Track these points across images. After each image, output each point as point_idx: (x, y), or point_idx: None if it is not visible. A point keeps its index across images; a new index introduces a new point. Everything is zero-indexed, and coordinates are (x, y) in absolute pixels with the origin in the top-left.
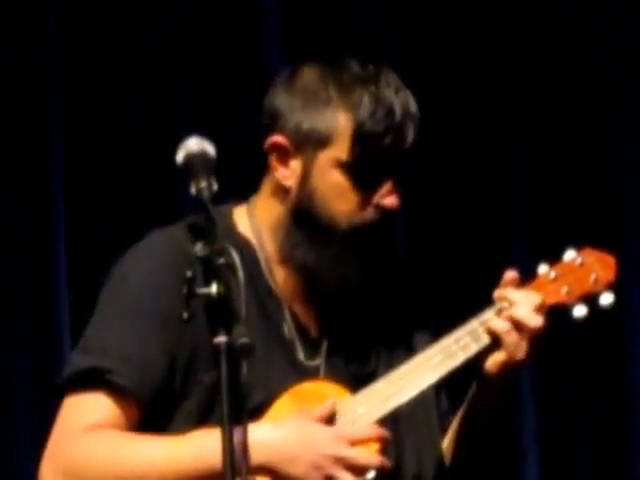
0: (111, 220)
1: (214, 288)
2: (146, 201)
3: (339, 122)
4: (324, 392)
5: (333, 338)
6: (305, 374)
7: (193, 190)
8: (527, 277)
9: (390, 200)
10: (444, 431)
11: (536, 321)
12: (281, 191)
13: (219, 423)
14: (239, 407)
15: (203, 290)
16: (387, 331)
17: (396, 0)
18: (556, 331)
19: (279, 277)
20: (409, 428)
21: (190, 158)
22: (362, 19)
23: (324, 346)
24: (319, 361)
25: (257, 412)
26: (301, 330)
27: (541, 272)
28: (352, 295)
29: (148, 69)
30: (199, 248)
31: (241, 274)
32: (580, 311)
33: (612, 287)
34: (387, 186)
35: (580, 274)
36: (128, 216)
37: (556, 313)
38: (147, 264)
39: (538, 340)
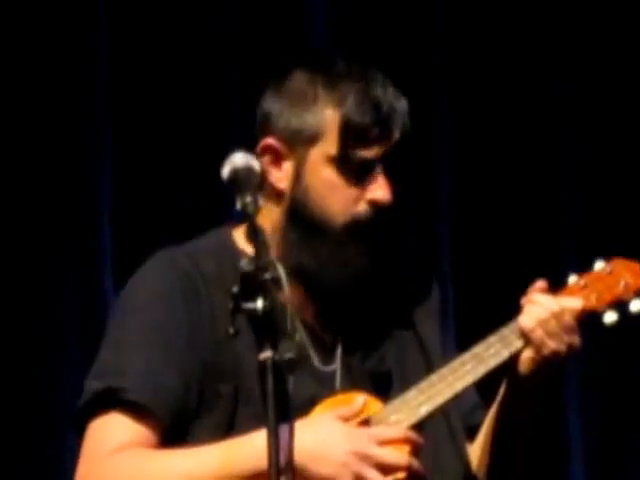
0: (157, 233)
1: (259, 303)
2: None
3: (327, 118)
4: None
5: (346, 341)
6: (322, 380)
7: (238, 205)
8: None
9: (381, 194)
10: (474, 428)
11: (562, 318)
12: (275, 195)
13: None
14: (281, 417)
15: (249, 305)
16: (395, 328)
17: None
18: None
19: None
20: (429, 438)
21: (235, 173)
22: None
23: (339, 350)
24: (335, 366)
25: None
26: (314, 337)
27: (571, 281)
28: (355, 294)
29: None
30: (244, 263)
31: (287, 289)
32: (611, 317)
33: None
34: (378, 180)
35: (609, 281)
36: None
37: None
38: (150, 285)
39: (569, 342)
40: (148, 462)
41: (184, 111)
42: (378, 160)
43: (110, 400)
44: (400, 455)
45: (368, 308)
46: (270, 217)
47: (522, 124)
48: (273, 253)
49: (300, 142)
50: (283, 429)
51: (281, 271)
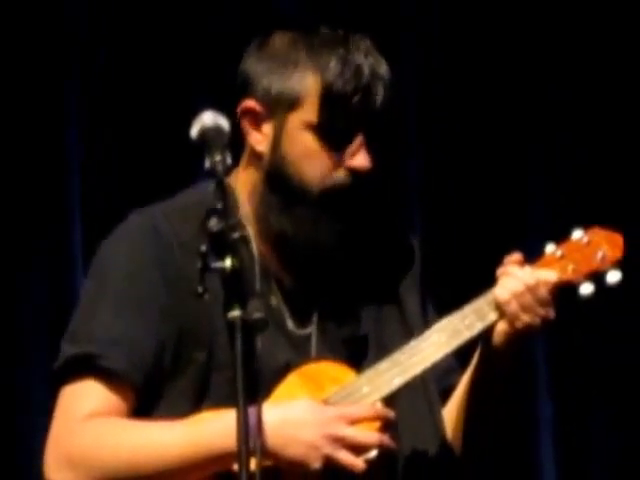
0: (127, 196)
1: (228, 262)
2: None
3: (307, 84)
4: (332, 373)
5: (323, 305)
6: (296, 343)
7: (207, 164)
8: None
9: (359, 160)
10: (448, 390)
11: (538, 291)
12: (255, 157)
13: (220, 403)
14: (248, 385)
15: (217, 264)
16: (375, 292)
17: None
18: (570, 313)
19: (264, 248)
20: (406, 404)
21: (204, 132)
22: None
23: (315, 314)
24: (310, 329)
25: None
26: (290, 299)
27: (548, 251)
28: (331, 259)
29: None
30: (213, 222)
31: (255, 248)
32: (587, 289)
33: (619, 265)
34: (356, 146)
35: (587, 252)
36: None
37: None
38: (124, 248)
39: (544, 315)
40: (119, 432)
41: (184, 111)
42: (358, 128)
43: (84, 366)
44: (370, 433)
45: (346, 274)
46: (249, 179)
47: (518, 128)
48: (251, 215)
49: (280, 106)
50: (252, 411)
51: (250, 231)
